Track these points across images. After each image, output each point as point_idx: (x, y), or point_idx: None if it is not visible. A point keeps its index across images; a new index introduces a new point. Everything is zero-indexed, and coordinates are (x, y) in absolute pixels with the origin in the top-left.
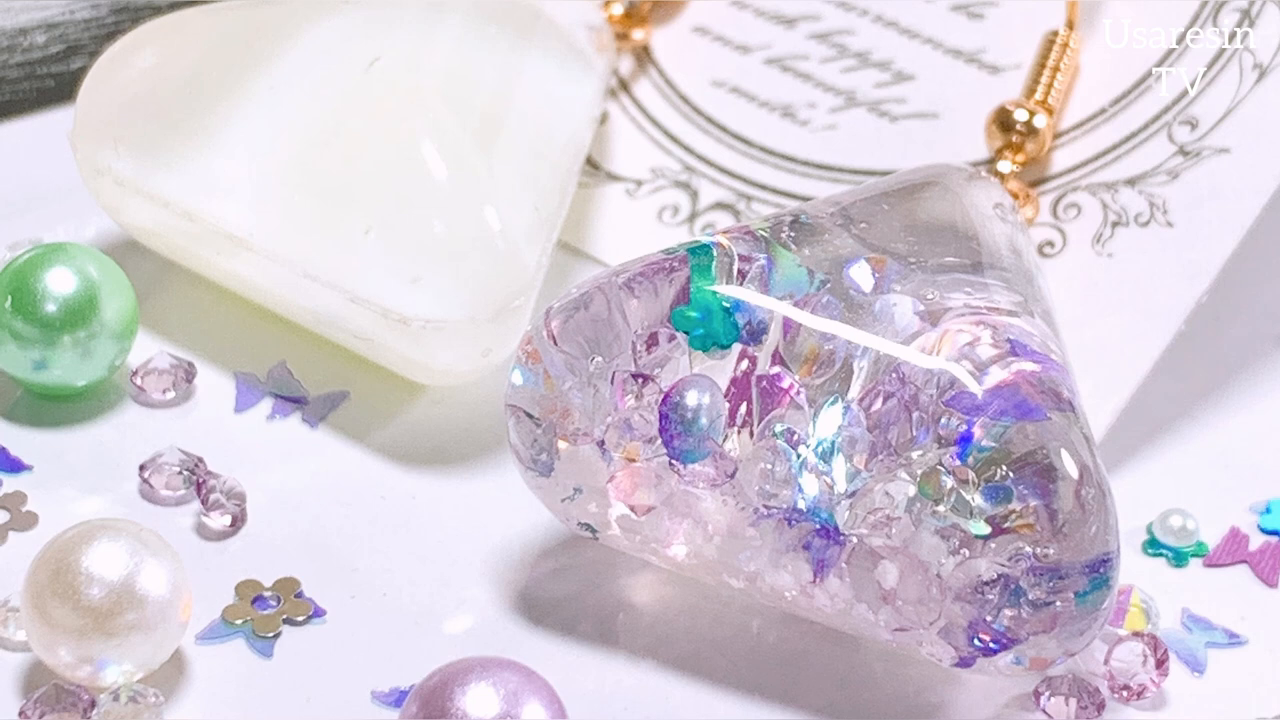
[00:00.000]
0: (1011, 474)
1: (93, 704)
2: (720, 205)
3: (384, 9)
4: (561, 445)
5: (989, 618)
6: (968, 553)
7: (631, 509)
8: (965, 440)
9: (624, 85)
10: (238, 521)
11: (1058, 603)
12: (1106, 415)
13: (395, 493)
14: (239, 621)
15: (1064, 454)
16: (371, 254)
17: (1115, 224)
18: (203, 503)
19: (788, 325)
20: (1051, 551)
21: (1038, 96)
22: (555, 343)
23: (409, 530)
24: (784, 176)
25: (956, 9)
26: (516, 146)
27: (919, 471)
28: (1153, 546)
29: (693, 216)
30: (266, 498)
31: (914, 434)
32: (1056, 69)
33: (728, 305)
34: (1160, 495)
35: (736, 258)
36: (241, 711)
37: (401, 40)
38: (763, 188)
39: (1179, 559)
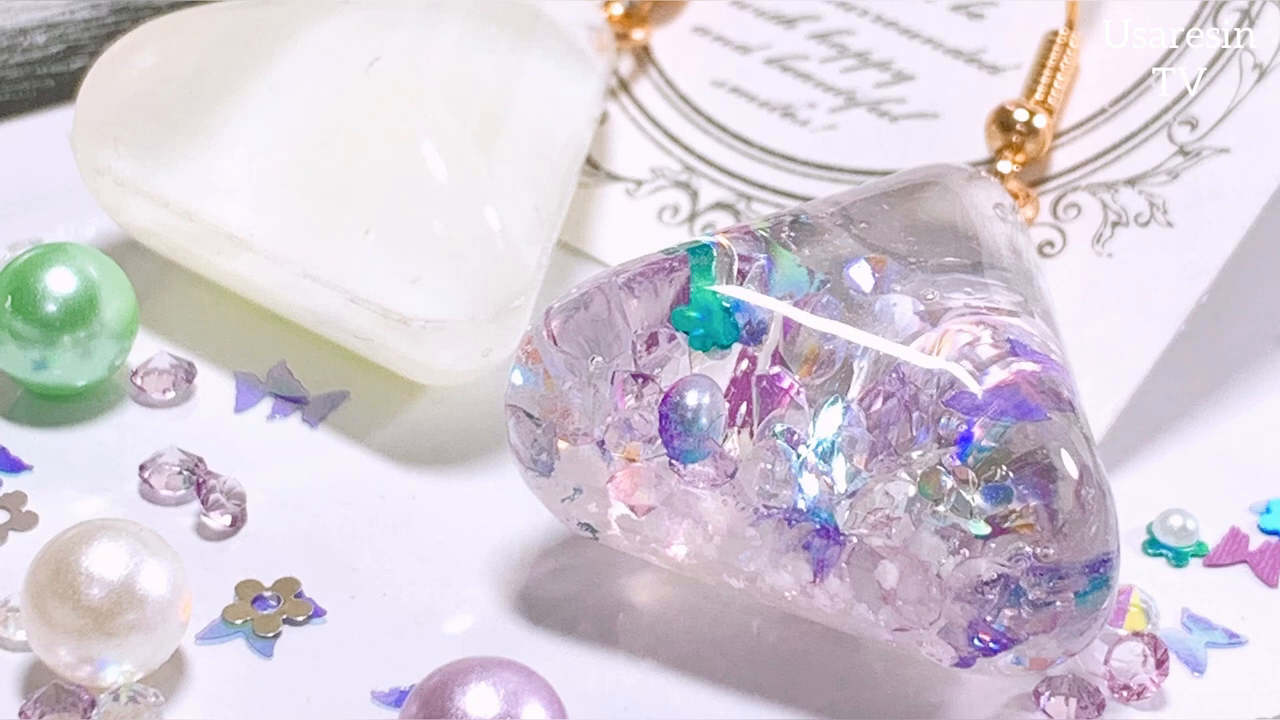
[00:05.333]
0: (1011, 474)
1: (93, 704)
2: (720, 205)
3: (384, 9)
4: (561, 445)
5: (989, 618)
6: (968, 553)
7: (631, 509)
8: (965, 440)
9: (624, 85)
10: (238, 521)
11: (1058, 603)
12: (1106, 415)
13: (395, 493)
14: (239, 621)
15: (1064, 454)
16: (371, 254)
17: (1115, 224)
18: (203, 503)
19: (788, 325)
20: (1051, 551)
21: (1038, 96)
22: (555, 343)
23: (409, 530)
24: (784, 176)
25: (956, 9)
26: (516, 146)
27: (919, 471)
28: (1153, 546)
29: (693, 216)
30: (266, 498)
31: (914, 434)
32: (1056, 69)
33: (728, 305)
34: (1160, 495)
35: (736, 258)
36: (241, 711)
37: (401, 40)
38: (763, 188)
39: (1179, 559)
